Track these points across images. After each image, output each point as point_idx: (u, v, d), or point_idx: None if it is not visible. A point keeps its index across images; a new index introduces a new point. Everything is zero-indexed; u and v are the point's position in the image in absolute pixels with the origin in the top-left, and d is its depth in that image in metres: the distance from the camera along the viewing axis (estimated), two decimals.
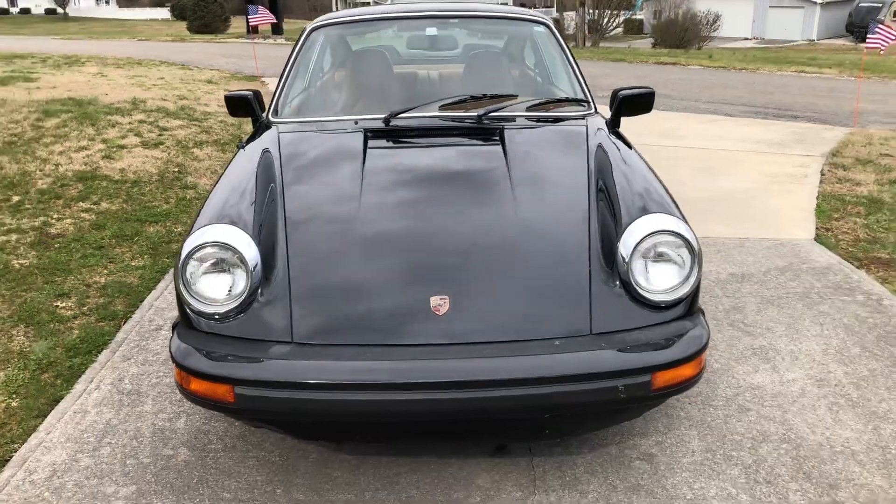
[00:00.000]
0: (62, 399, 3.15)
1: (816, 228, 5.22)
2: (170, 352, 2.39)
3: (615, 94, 3.50)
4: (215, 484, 2.62)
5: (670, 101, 12.03)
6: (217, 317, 2.41)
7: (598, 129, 3.29)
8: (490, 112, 3.32)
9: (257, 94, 3.61)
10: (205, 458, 2.75)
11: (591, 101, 3.60)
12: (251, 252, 2.46)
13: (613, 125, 3.46)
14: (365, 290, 2.45)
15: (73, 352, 3.53)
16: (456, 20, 4.16)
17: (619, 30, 34.98)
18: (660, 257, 2.49)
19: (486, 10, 4.02)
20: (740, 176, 6.73)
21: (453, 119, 3.34)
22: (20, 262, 4.55)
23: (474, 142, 3.24)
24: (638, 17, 45.49)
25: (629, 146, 3.18)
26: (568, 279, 2.48)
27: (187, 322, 2.45)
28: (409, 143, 3.27)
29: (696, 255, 2.47)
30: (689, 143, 8.27)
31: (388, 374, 2.23)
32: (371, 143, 3.15)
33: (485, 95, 3.42)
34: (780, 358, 3.38)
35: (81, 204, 5.66)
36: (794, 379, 3.21)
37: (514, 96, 3.51)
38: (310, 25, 4.01)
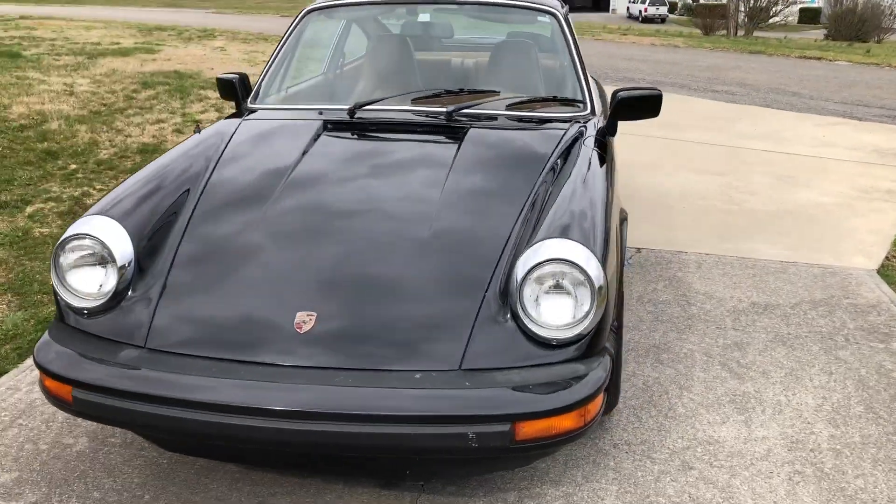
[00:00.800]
0: (5, 373, 3.20)
1: (886, 258, 4.55)
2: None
3: (614, 94, 3.14)
4: (93, 481, 2.55)
5: (795, 100, 11.08)
6: (85, 312, 2.32)
7: (580, 135, 2.95)
8: (461, 109, 3.06)
9: (243, 78, 3.53)
10: (97, 452, 2.69)
11: (588, 101, 3.25)
12: (123, 249, 2.35)
13: (606, 131, 3.11)
14: (234, 299, 2.29)
15: (42, 326, 3.59)
16: (455, 6, 3.88)
17: (793, 18, 32.85)
18: (556, 289, 2.17)
19: None
20: (825, 188, 6.03)
21: (422, 114, 3.10)
22: (41, 230, 4.72)
23: (430, 142, 2.99)
24: (816, 4, 42.62)
25: (603, 160, 2.82)
26: (456, 305, 2.22)
27: (59, 314, 2.38)
28: (361, 139, 3.06)
29: (595, 294, 2.12)
30: (786, 147, 7.53)
31: (222, 394, 2.06)
32: (322, 137, 2.97)
33: (462, 90, 3.15)
34: (759, 409, 2.93)
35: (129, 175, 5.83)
36: (764, 437, 2.76)
37: (496, 92, 3.23)
38: (306, 8, 3.86)
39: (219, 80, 3.59)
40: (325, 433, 2.00)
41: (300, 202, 2.61)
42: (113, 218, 2.42)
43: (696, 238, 4.76)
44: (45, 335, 2.32)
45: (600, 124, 3.17)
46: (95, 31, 17.05)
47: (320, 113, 3.22)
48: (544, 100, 3.27)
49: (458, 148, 2.80)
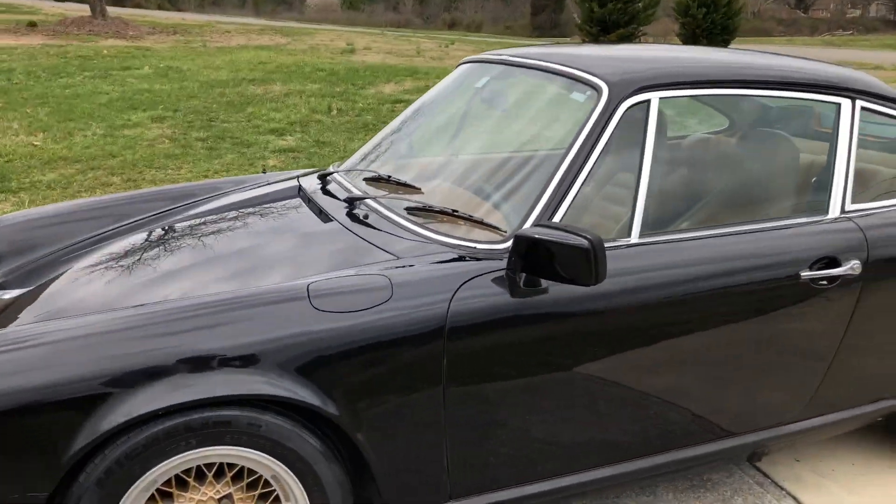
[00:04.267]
0: None
1: None
2: None
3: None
4: None
5: None
6: None
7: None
8: (355, 200, 2.38)
9: None
10: None
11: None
12: None
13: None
14: None
15: None
16: None
17: None
18: None
19: None
20: None
21: (344, 193, 2.48)
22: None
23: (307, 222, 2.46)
24: None
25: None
26: None
27: None
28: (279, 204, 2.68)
29: None
30: None
31: None
32: (266, 197, 2.72)
33: (389, 178, 2.46)
34: None
35: None
36: None
37: (417, 189, 2.34)
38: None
39: None
40: None
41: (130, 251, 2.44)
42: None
43: None
44: None
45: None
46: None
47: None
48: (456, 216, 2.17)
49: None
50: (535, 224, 1.97)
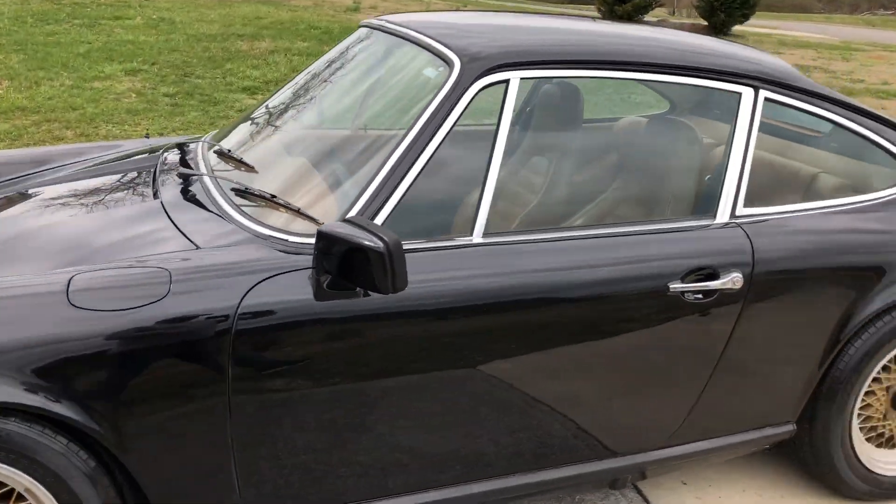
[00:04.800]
0: None
1: None
2: None
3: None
4: None
5: None
6: None
7: None
8: (189, 177, 2.19)
9: None
10: None
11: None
12: None
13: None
14: None
15: None
16: None
17: None
18: None
19: None
20: None
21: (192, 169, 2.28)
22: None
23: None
24: None
25: None
26: None
27: None
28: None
29: None
30: None
31: None
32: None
33: (229, 152, 2.25)
34: None
35: None
36: None
37: (251, 168, 2.13)
38: None
39: None
40: None
41: None
42: None
43: None
44: None
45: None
46: None
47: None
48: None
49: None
50: (345, 219, 1.74)
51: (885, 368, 2.39)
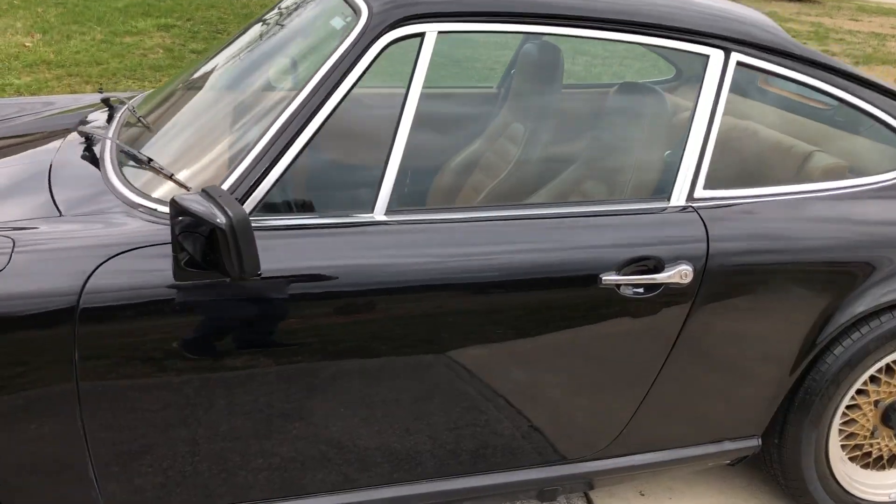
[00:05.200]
0: None
1: None
2: None
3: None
4: None
5: None
6: None
7: None
8: (90, 137, 2.06)
9: None
10: None
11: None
12: None
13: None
14: None
15: None
16: None
17: None
18: None
19: None
20: None
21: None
22: None
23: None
24: None
25: None
26: None
27: None
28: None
29: None
30: None
31: None
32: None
33: (134, 110, 2.14)
34: None
35: None
36: None
37: (146, 127, 2.00)
38: None
39: None
40: None
41: None
42: None
43: None
44: None
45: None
46: None
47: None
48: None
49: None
50: (203, 189, 1.52)
51: (873, 380, 2.07)
